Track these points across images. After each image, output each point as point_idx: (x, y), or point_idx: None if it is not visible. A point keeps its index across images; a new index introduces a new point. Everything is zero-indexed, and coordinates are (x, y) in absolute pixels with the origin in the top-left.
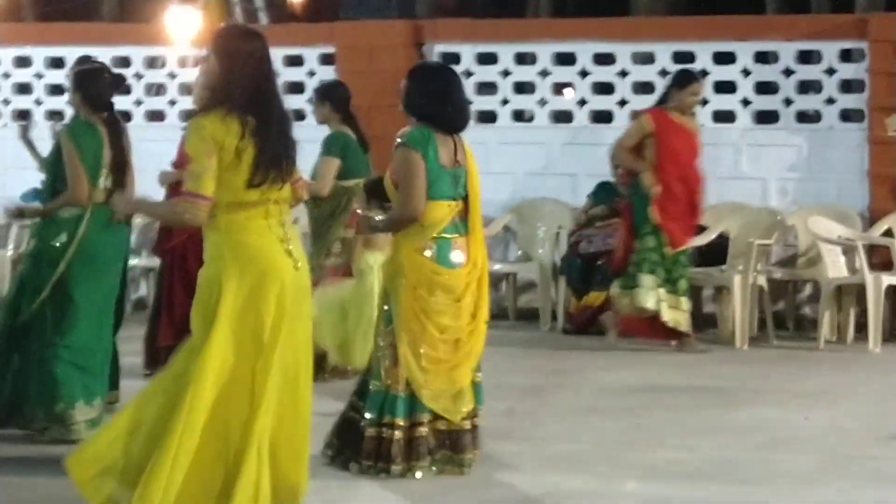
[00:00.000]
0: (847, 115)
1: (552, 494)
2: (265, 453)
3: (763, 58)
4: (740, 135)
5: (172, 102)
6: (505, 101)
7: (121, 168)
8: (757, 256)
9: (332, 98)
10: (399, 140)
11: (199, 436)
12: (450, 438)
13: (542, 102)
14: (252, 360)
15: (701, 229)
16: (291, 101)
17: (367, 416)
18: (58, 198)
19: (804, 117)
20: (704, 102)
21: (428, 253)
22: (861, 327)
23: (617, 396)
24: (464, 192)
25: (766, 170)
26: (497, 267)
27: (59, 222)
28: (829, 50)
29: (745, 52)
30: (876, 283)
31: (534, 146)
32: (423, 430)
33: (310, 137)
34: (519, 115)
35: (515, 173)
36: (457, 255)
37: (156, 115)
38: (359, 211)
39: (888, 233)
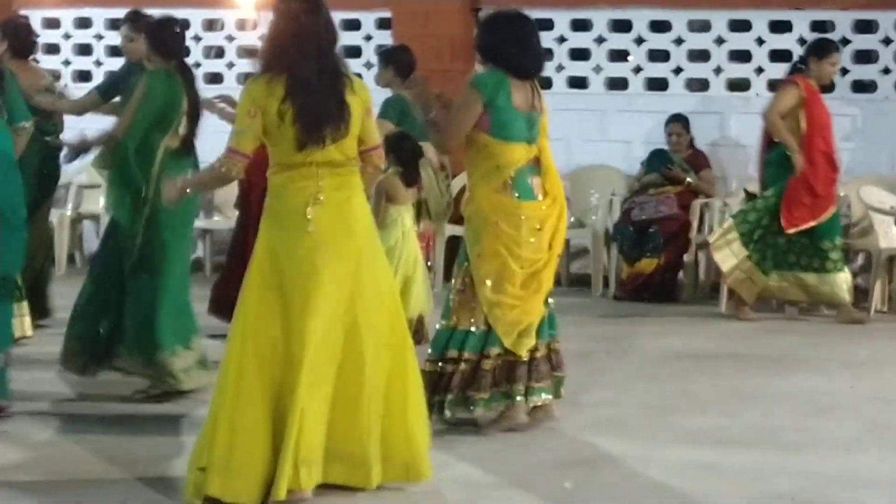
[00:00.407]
0: None
1: (594, 458)
2: (312, 419)
3: (819, 27)
4: None
5: (231, 65)
6: (560, 68)
7: (196, 115)
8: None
9: (396, 62)
10: (469, 79)
11: (242, 397)
12: (508, 368)
13: (598, 69)
14: (284, 323)
15: (752, 197)
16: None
17: (433, 354)
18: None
19: (859, 87)
20: (760, 71)
21: (508, 191)
22: None
23: (663, 363)
24: (537, 136)
25: None
26: None
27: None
28: (886, 19)
29: (801, 20)
30: None
31: (589, 113)
32: (489, 364)
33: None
34: (574, 82)
35: (570, 140)
36: (537, 192)
37: (215, 78)
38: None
39: None
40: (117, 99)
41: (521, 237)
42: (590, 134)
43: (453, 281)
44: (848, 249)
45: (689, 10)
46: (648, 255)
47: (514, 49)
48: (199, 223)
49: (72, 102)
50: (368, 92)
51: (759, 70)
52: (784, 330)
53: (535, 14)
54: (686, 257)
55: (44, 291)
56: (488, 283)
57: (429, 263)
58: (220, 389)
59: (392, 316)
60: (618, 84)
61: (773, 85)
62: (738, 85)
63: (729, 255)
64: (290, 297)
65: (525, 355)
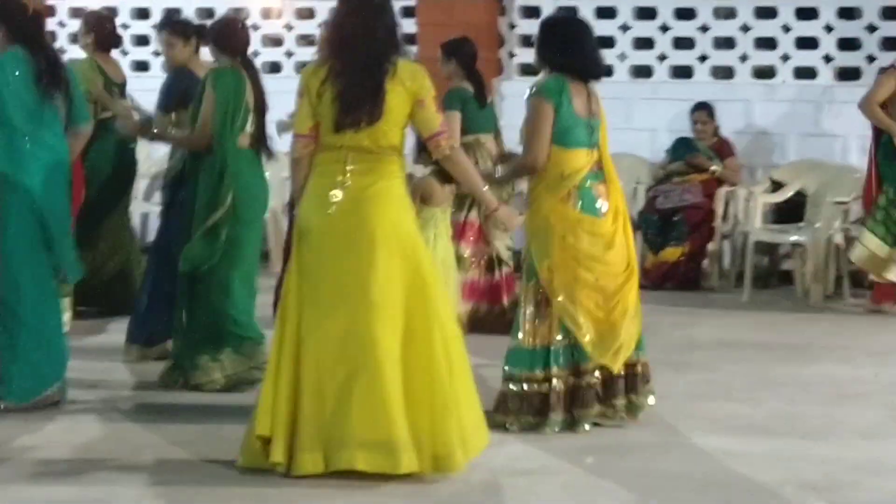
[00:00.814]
0: None
1: (616, 444)
2: (319, 395)
3: (846, 13)
4: (821, 91)
5: (256, 54)
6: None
7: (263, 111)
8: (834, 214)
9: (458, 54)
10: (533, 89)
11: (292, 369)
12: (605, 385)
13: (623, 57)
14: (302, 300)
15: (778, 186)
16: None
17: (512, 372)
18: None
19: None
20: (786, 58)
21: (572, 202)
22: None
23: (688, 351)
24: (598, 141)
25: (846, 127)
26: None
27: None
28: None
29: (827, 7)
30: None
31: (614, 101)
32: (587, 380)
33: None
34: None
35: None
36: (601, 203)
37: (273, 67)
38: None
39: None
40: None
41: (589, 250)
42: (615, 122)
43: (521, 297)
44: None
45: None
46: (673, 243)
47: (573, 53)
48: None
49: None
50: (422, 81)
51: (786, 57)
52: (809, 319)
53: (561, 1)
54: (711, 246)
55: (125, 287)
56: (562, 296)
57: (466, 255)
58: (271, 364)
59: (418, 305)
60: (643, 72)
61: (800, 72)
62: (764, 72)
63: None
64: (303, 273)
65: (621, 370)
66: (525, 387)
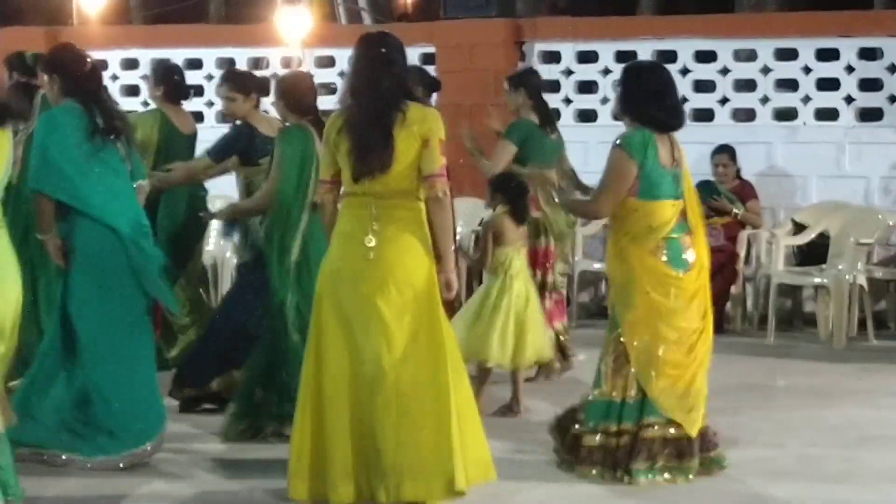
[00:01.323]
0: None
1: (637, 490)
2: (333, 431)
3: (867, 54)
4: (843, 133)
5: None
6: (605, 100)
7: None
8: (857, 256)
9: (527, 85)
10: (617, 141)
11: (316, 411)
12: (676, 446)
13: None
14: (348, 340)
15: (800, 228)
16: None
17: (589, 423)
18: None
19: None
20: (807, 100)
21: (661, 255)
22: None
23: (712, 395)
24: (683, 191)
25: (868, 168)
26: (597, 266)
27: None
28: None
29: (848, 48)
30: None
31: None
32: (651, 433)
33: None
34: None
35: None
36: (689, 255)
37: None
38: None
39: None
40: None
41: (673, 305)
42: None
43: (604, 348)
44: None
45: (734, 40)
46: None
47: (656, 104)
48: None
49: (183, 170)
50: (432, 122)
51: (807, 99)
52: (832, 361)
53: (580, 46)
54: (734, 289)
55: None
56: (641, 350)
57: (549, 279)
58: (300, 406)
59: (430, 348)
60: None
61: (821, 114)
62: (785, 114)
63: None
64: (349, 317)
65: (695, 433)
66: (598, 439)
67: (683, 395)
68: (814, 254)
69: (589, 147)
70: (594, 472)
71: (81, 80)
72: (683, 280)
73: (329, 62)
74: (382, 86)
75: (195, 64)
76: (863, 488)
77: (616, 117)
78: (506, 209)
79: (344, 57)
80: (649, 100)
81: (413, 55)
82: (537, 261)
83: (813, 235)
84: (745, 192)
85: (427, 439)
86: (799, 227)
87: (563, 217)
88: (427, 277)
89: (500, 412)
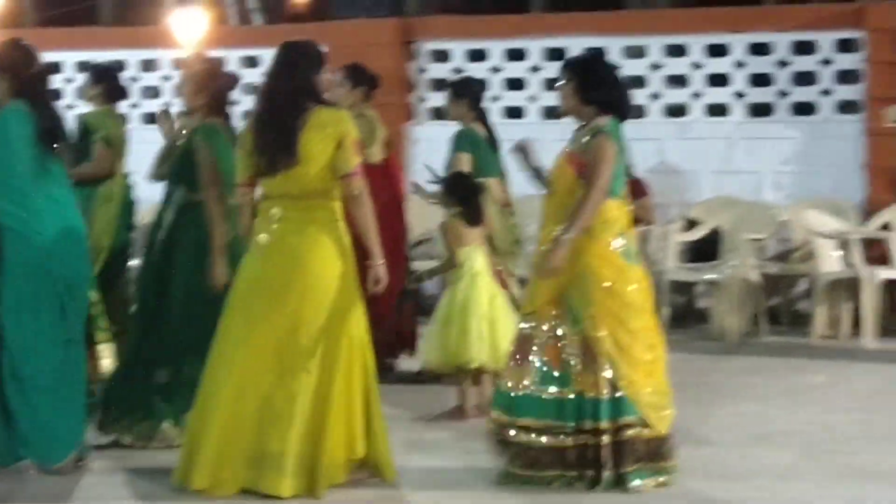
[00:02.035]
0: (844, 107)
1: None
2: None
3: (757, 49)
4: (734, 128)
5: (167, 105)
6: (496, 98)
7: None
8: (749, 251)
9: (469, 95)
10: (603, 129)
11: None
12: (654, 445)
13: (533, 98)
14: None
15: (692, 224)
16: None
17: (554, 424)
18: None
19: (800, 109)
20: (697, 96)
21: (616, 249)
22: (856, 322)
23: None
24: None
25: (760, 163)
26: None
27: None
28: (826, 40)
29: (738, 43)
30: (871, 278)
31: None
32: (631, 433)
33: None
34: (511, 112)
35: (508, 171)
36: (638, 252)
37: (153, 118)
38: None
39: (885, 226)
40: None
41: (632, 299)
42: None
43: (565, 348)
44: (790, 274)
45: (624, 37)
46: None
47: (622, 94)
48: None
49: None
50: (345, 124)
51: (697, 95)
52: (725, 357)
53: (470, 45)
54: None
55: None
56: (610, 345)
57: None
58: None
59: (329, 342)
60: (554, 113)
61: (712, 109)
62: (676, 110)
63: None
64: (258, 315)
65: (666, 431)
66: (570, 440)
67: (653, 393)
68: (706, 250)
69: None
70: (568, 473)
71: (29, 82)
72: (637, 273)
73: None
74: (281, 88)
75: (88, 67)
76: (755, 486)
77: (566, 112)
78: (458, 211)
79: (235, 58)
80: (617, 91)
81: None
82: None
83: (705, 231)
84: (636, 189)
85: (305, 437)
86: (691, 224)
87: (507, 234)
88: (338, 278)
89: (449, 415)
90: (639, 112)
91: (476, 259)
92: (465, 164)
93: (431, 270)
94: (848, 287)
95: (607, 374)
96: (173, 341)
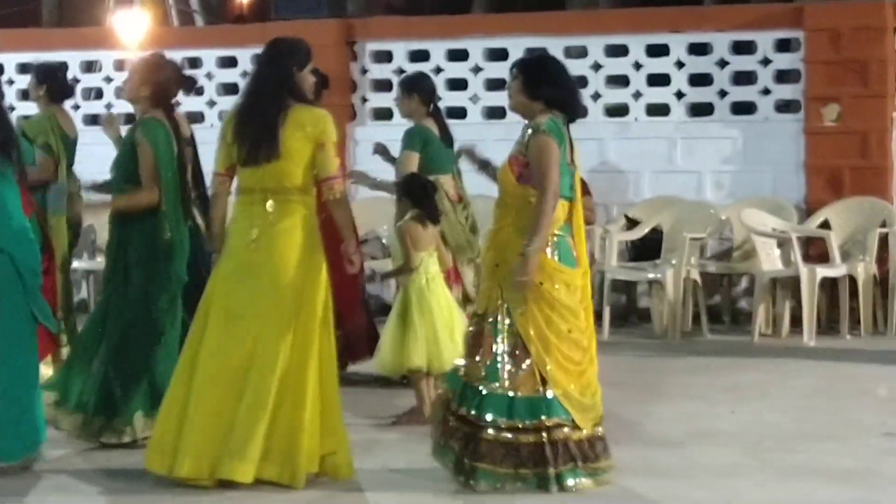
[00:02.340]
0: (783, 106)
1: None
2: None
3: (697, 49)
4: (674, 128)
5: (109, 106)
6: (438, 99)
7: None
8: (690, 250)
9: (421, 91)
10: (540, 127)
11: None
12: (585, 446)
13: (475, 99)
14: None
15: (634, 223)
16: (226, 102)
17: (493, 420)
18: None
19: (739, 109)
20: (638, 96)
21: (549, 251)
22: (796, 320)
23: None
24: (572, 193)
25: (700, 163)
26: None
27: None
28: (765, 40)
29: (678, 43)
30: (810, 276)
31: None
32: (564, 434)
33: None
34: (453, 112)
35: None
36: (575, 254)
37: (94, 120)
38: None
39: (825, 224)
40: None
41: (563, 298)
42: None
43: (499, 343)
44: (731, 273)
45: (565, 37)
46: None
47: (570, 92)
48: (83, 264)
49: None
50: (324, 126)
51: (638, 95)
52: (666, 356)
53: (412, 45)
54: None
55: None
56: (539, 339)
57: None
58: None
59: (300, 335)
60: (496, 113)
61: (652, 109)
62: (617, 110)
63: None
64: (234, 305)
65: (590, 429)
66: (508, 436)
67: (580, 393)
68: (647, 249)
69: None
70: (499, 470)
71: None
72: (573, 276)
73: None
74: (267, 84)
75: (28, 68)
76: (695, 483)
77: (514, 109)
78: (414, 213)
79: (177, 59)
80: (566, 90)
81: (245, 57)
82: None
83: (646, 231)
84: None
85: (282, 426)
86: (632, 223)
87: (461, 230)
88: (311, 270)
89: (406, 419)
90: (581, 112)
91: (430, 265)
92: (413, 163)
93: (387, 273)
94: (788, 285)
95: (537, 372)
96: (118, 338)
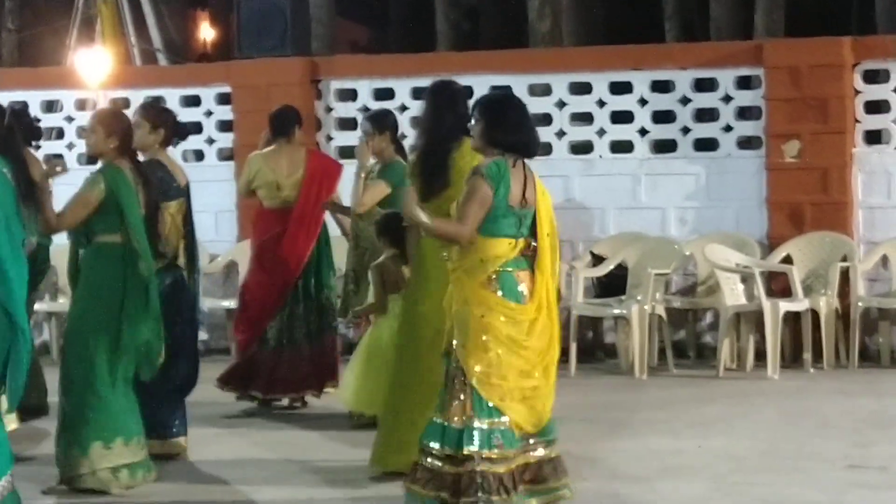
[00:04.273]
0: (744, 143)
1: None
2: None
3: (660, 86)
4: (638, 164)
5: (71, 146)
6: (402, 137)
7: None
8: (655, 286)
9: (392, 128)
10: (479, 170)
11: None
12: (534, 470)
13: None
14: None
15: (599, 260)
16: (191, 142)
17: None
18: None
19: (702, 145)
20: (602, 133)
21: (493, 287)
22: (760, 354)
23: None
24: (527, 231)
25: (664, 199)
26: None
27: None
28: (726, 77)
29: (641, 81)
30: (773, 310)
31: None
32: (505, 468)
33: (208, 177)
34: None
35: None
36: (522, 287)
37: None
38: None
39: (787, 259)
40: None
41: (510, 333)
42: None
43: (445, 376)
44: (695, 308)
45: (529, 75)
46: None
47: (517, 132)
48: (44, 306)
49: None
50: (475, 156)
51: (602, 132)
52: (633, 391)
53: (376, 84)
54: None
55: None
56: (482, 374)
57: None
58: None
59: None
60: None
61: (616, 146)
62: (581, 147)
63: None
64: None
65: (551, 453)
66: (438, 464)
67: (526, 418)
68: (613, 285)
69: None
70: (433, 495)
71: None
72: (518, 310)
73: (125, 104)
74: (443, 123)
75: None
76: None
77: (476, 149)
78: (393, 252)
79: (139, 98)
80: (511, 129)
81: (209, 95)
82: None
83: (611, 267)
84: None
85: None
86: (598, 259)
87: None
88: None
89: None
90: (545, 149)
91: (396, 305)
92: (380, 193)
93: (358, 310)
94: (752, 320)
95: (474, 402)
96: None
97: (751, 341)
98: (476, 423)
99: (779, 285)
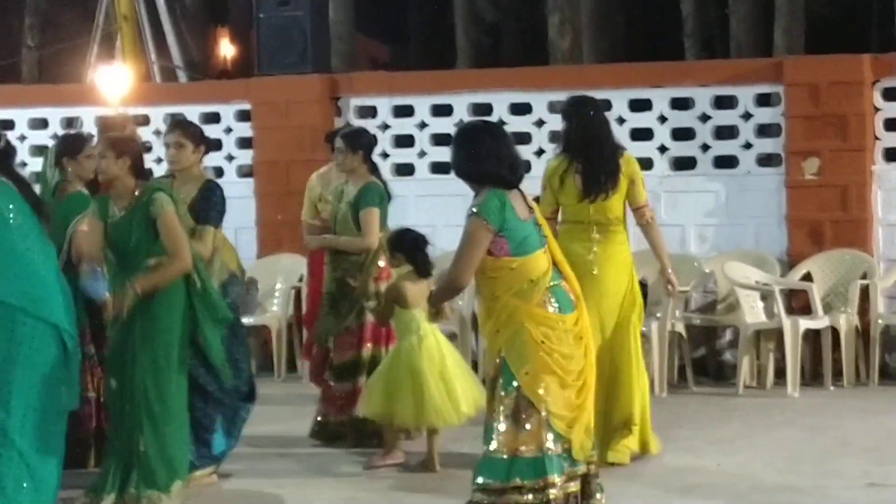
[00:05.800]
0: (764, 160)
1: None
2: None
3: (679, 104)
4: (658, 182)
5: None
6: (422, 154)
7: None
8: (675, 303)
9: (365, 147)
10: (474, 209)
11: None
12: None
13: (422, 153)
14: None
15: None
16: (210, 159)
17: (487, 483)
18: None
19: (721, 163)
20: (706, 148)
21: (550, 308)
22: (780, 372)
23: None
24: (542, 241)
25: (684, 216)
26: None
27: None
28: (746, 94)
29: (661, 98)
30: (793, 328)
31: (453, 198)
32: (574, 486)
33: (228, 194)
34: (437, 167)
35: (435, 226)
36: (571, 296)
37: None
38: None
39: (807, 276)
40: None
41: (568, 352)
42: (455, 219)
43: (497, 406)
44: (715, 325)
45: (549, 92)
46: None
47: (494, 164)
48: None
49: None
50: (634, 165)
51: None
52: (652, 410)
53: (396, 101)
54: None
55: None
56: (549, 400)
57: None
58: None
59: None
60: (441, 168)
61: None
62: None
63: None
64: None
65: (585, 466)
66: (502, 498)
67: (580, 432)
68: None
69: (407, 201)
70: None
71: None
72: (571, 319)
73: (145, 120)
74: (603, 135)
75: (7, 124)
76: None
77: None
78: (405, 272)
79: (159, 115)
80: (489, 163)
81: (228, 112)
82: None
83: None
84: None
85: None
86: None
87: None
88: (628, 286)
89: (419, 468)
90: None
91: (422, 322)
92: (377, 219)
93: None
94: (772, 337)
95: (547, 429)
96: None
97: (771, 359)
98: (552, 449)
99: (799, 303)
